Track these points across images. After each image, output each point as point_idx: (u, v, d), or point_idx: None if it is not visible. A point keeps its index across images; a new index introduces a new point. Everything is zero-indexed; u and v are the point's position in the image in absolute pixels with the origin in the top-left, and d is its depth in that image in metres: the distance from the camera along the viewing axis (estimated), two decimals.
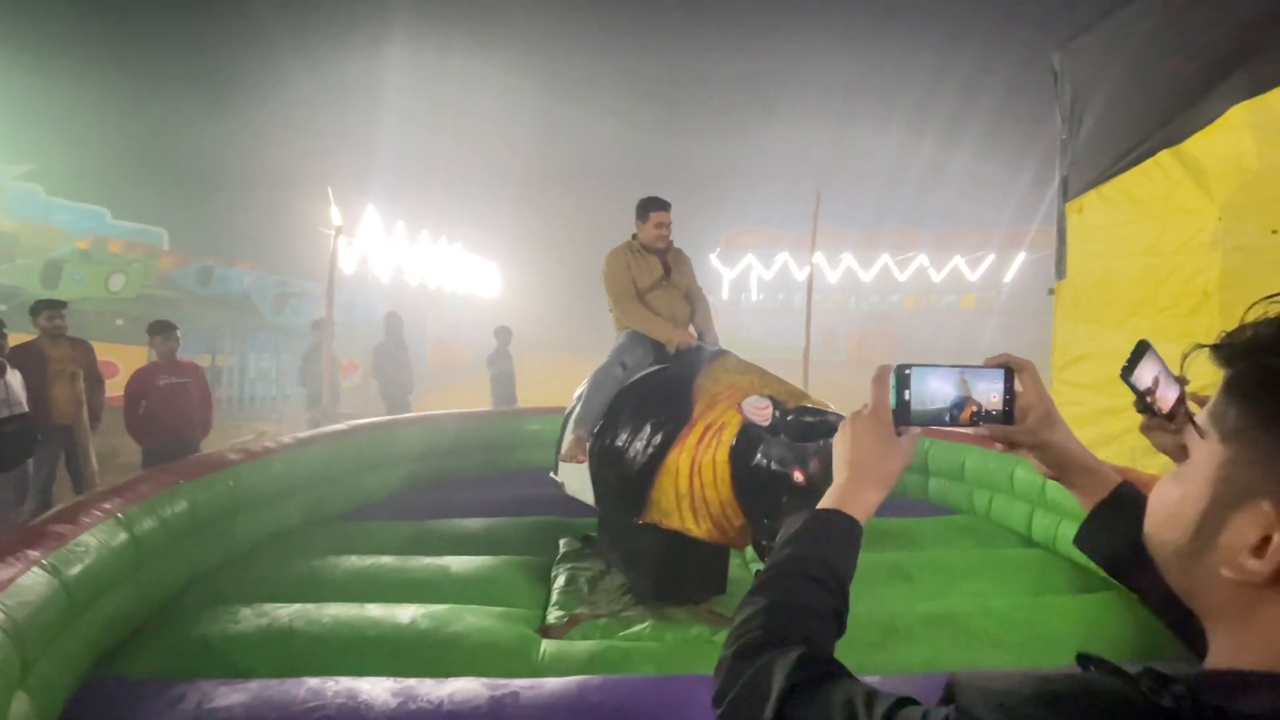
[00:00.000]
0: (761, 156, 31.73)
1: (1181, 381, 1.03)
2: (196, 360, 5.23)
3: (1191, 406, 1.05)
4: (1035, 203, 23.86)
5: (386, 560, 2.85)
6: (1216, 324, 3.35)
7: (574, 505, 2.93)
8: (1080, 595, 2.68)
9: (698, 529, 2.37)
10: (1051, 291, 4.75)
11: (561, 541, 3.17)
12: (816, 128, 32.97)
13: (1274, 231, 3.11)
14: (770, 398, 2.27)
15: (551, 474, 3.07)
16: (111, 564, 2.17)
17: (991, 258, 26.21)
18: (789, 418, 2.19)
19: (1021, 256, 25.72)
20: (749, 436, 2.25)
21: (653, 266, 3.03)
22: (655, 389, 2.65)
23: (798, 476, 2.15)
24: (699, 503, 2.35)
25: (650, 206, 3.00)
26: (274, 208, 15.05)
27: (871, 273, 26.55)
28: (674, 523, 2.41)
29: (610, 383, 2.77)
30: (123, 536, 2.27)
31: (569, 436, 2.76)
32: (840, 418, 1.98)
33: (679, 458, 2.38)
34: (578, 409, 2.77)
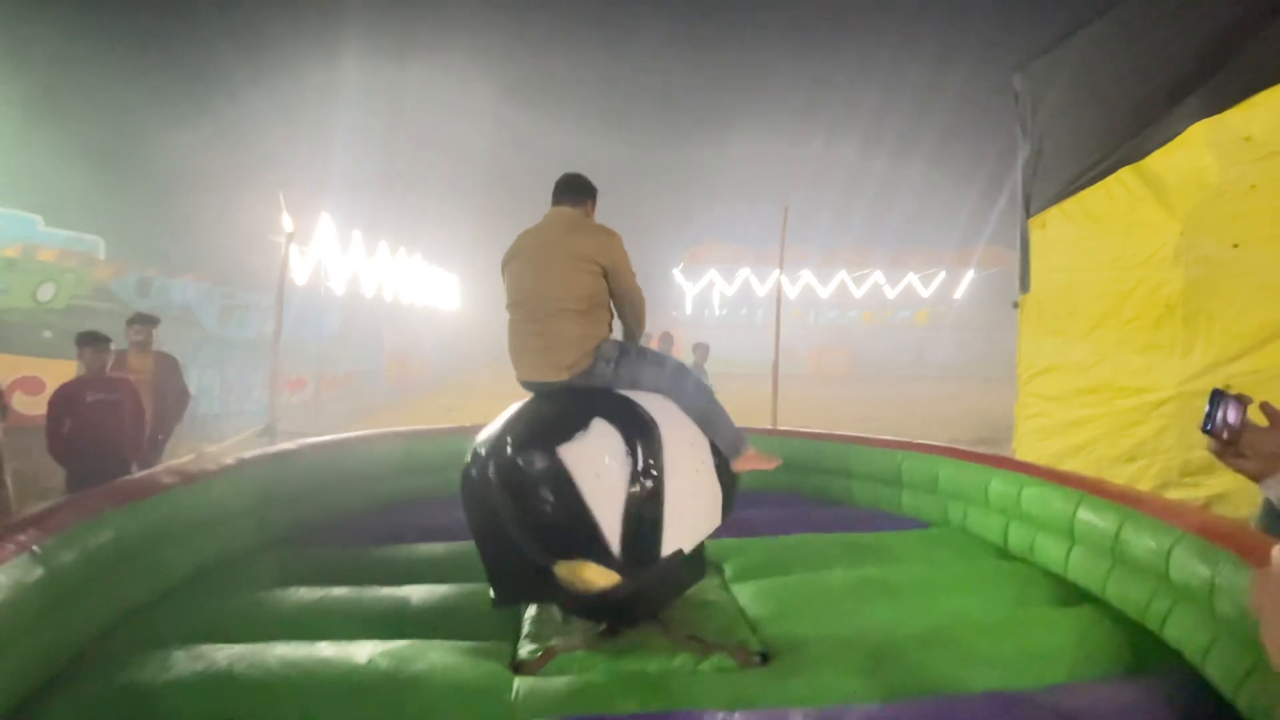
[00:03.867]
0: (722, 171, 32.23)
1: (1243, 401, 0.98)
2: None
3: (1256, 419, 0.98)
4: (982, 223, 24.89)
5: (339, 592, 2.64)
6: (1180, 336, 3.42)
7: None
8: (1065, 608, 2.65)
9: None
10: (1016, 305, 4.82)
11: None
12: (774, 144, 33.72)
13: (1235, 245, 3.18)
14: None
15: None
16: (24, 605, 1.92)
17: (943, 275, 27.24)
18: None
19: (970, 274, 26.77)
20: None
21: None
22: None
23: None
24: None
25: (593, 188, 2.56)
26: (222, 215, 14.52)
27: (829, 288, 27.34)
28: None
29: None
30: (38, 573, 2.01)
31: (750, 454, 2.41)
32: None
33: None
34: (722, 429, 2.39)
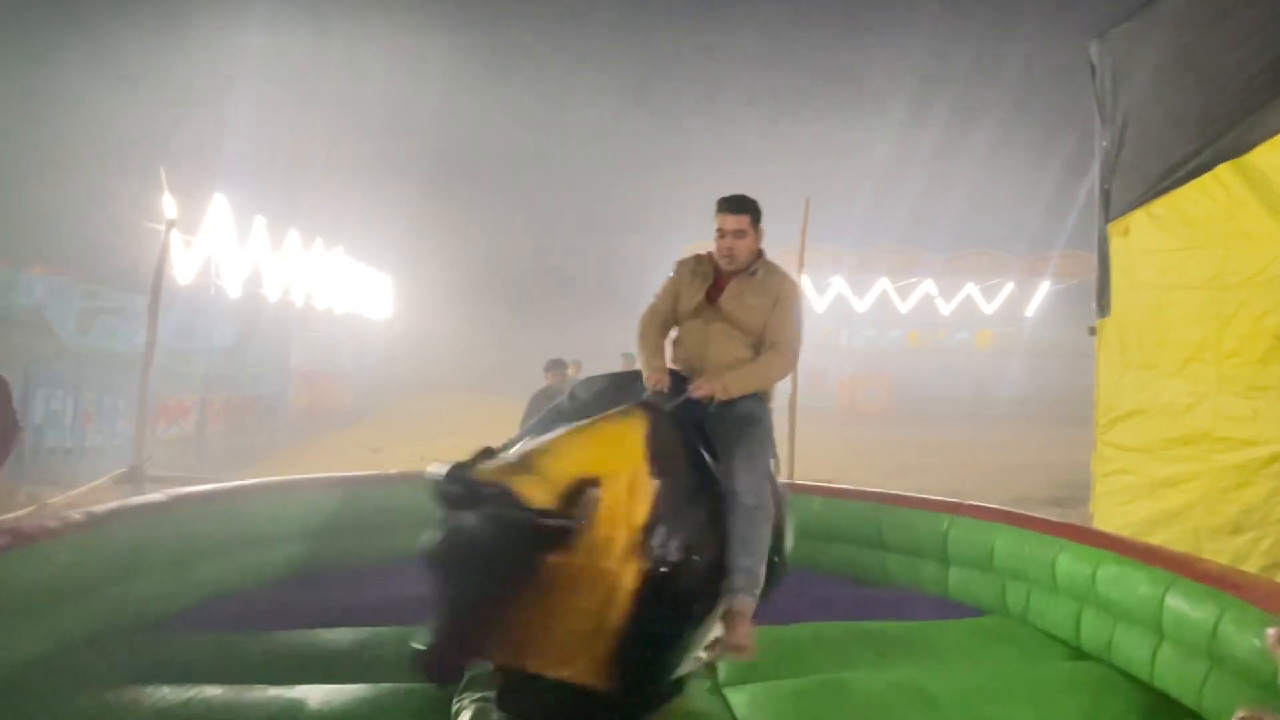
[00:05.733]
0: (731, 156, 32.56)
1: None
2: None
3: None
4: (1060, 220, 25.11)
5: (215, 692, 2.61)
6: None
7: None
8: None
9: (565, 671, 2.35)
10: (1093, 330, 4.90)
11: None
12: (797, 126, 34.14)
13: None
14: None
15: None
16: None
17: (1010, 287, 27.40)
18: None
19: (1045, 286, 26.97)
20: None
21: (696, 291, 2.95)
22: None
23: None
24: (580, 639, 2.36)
25: (717, 206, 2.93)
26: (85, 194, 14.44)
27: (867, 301, 27.29)
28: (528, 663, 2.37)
29: None
30: None
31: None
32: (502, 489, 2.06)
33: None
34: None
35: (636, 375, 2.89)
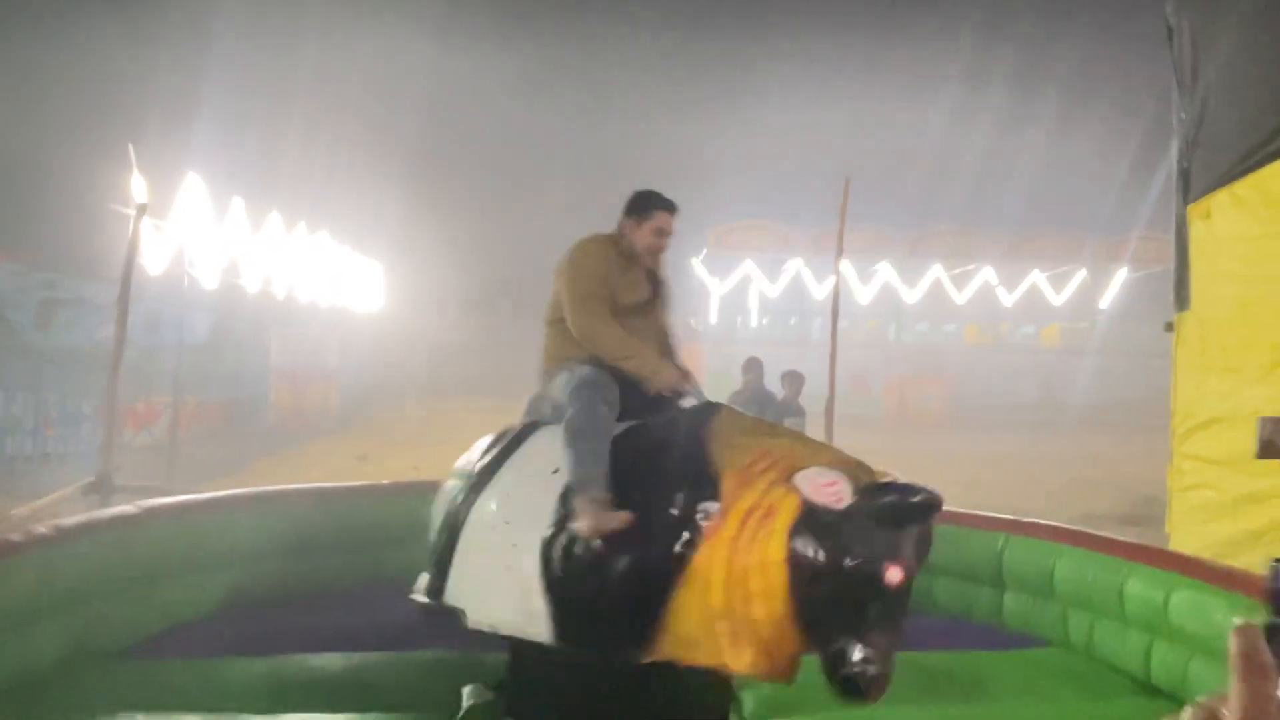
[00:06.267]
0: (761, 131, 32.37)
1: None
2: None
3: None
4: (1138, 198, 24.75)
5: None
6: None
7: (482, 634, 2.85)
8: None
9: (738, 662, 2.39)
10: (1169, 327, 4.89)
11: (465, 690, 3.05)
12: (835, 100, 33.80)
13: None
14: (839, 469, 2.37)
15: (417, 593, 2.99)
16: None
17: (1083, 274, 27.08)
18: (878, 497, 2.28)
19: (1123, 273, 26.65)
20: (815, 525, 2.30)
21: (639, 282, 3.15)
22: (654, 459, 2.69)
23: (893, 575, 2.21)
24: (741, 625, 2.36)
25: (655, 203, 3.16)
26: (46, 173, 14.66)
27: (918, 290, 27.04)
28: (701, 657, 2.44)
29: (605, 425, 2.80)
30: None
31: (579, 507, 2.61)
32: (935, 495, 2.24)
33: (709, 561, 2.39)
34: (570, 464, 2.70)
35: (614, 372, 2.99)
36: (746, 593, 2.32)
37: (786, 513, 2.33)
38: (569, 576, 2.57)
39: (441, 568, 2.91)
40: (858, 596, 2.22)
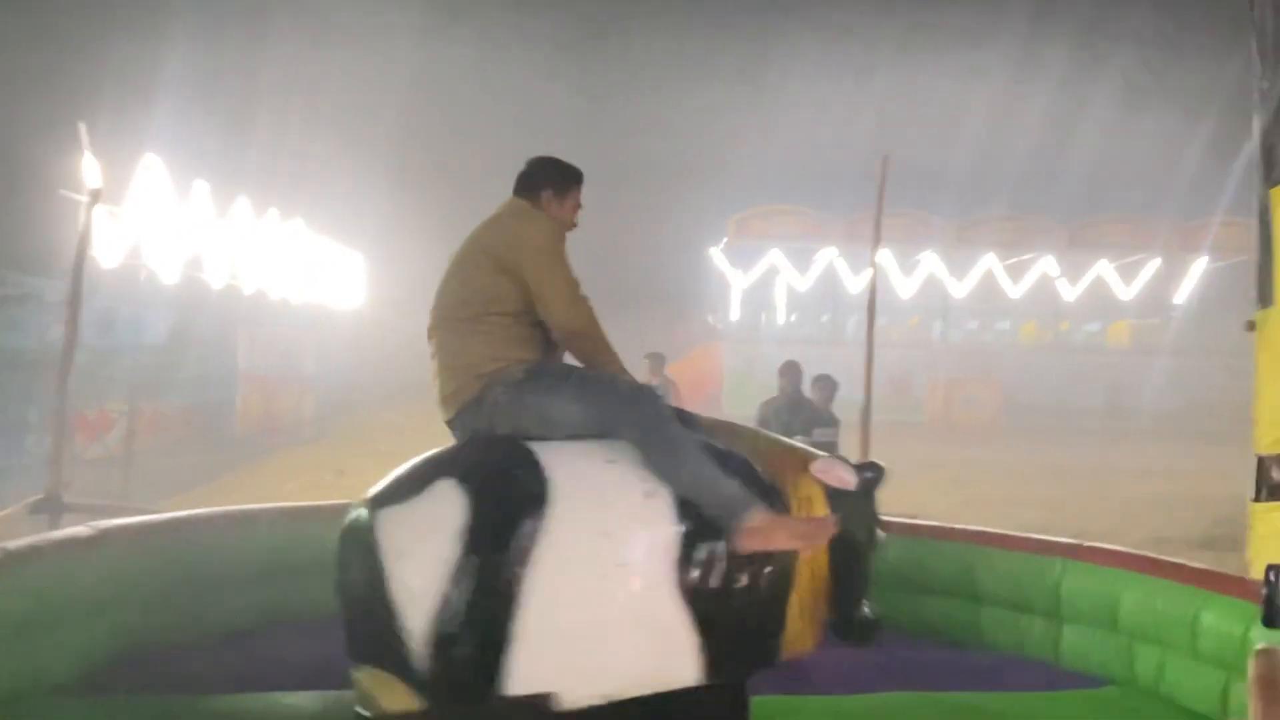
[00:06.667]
0: (788, 106, 32.33)
1: None
2: None
3: None
4: (1218, 181, 24.50)
5: None
6: None
7: None
8: None
9: (811, 641, 2.96)
10: (1251, 325, 4.78)
11: None
12: (871, 71, 33.76)
13: None
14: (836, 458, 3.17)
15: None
16: None
17: (1156, 264, 26.88)
18: (864, 474, 2.97)
19: (1202, 263, 26.40)
20: (840, 505, 2.91)
21: None
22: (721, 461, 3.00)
23: (883, 536, 3.13)
24: (810, 604, 2.90)
25: (577, 176, 3.14)
26: None
27: (967, 284, 26.90)
28: (796, 647, 2.92)
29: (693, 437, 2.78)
30: None
31: (763, 524, 2.60)
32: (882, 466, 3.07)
33: (802, 553, 2.85)
34: (705, 488, 2.64)
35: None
36: (813, 574, 2.86)
37: (817, 501, 2.90)
38: (715, 601, 2.65)
39: (487, 650, 2.44)
40: (864, 557, 2.99)
